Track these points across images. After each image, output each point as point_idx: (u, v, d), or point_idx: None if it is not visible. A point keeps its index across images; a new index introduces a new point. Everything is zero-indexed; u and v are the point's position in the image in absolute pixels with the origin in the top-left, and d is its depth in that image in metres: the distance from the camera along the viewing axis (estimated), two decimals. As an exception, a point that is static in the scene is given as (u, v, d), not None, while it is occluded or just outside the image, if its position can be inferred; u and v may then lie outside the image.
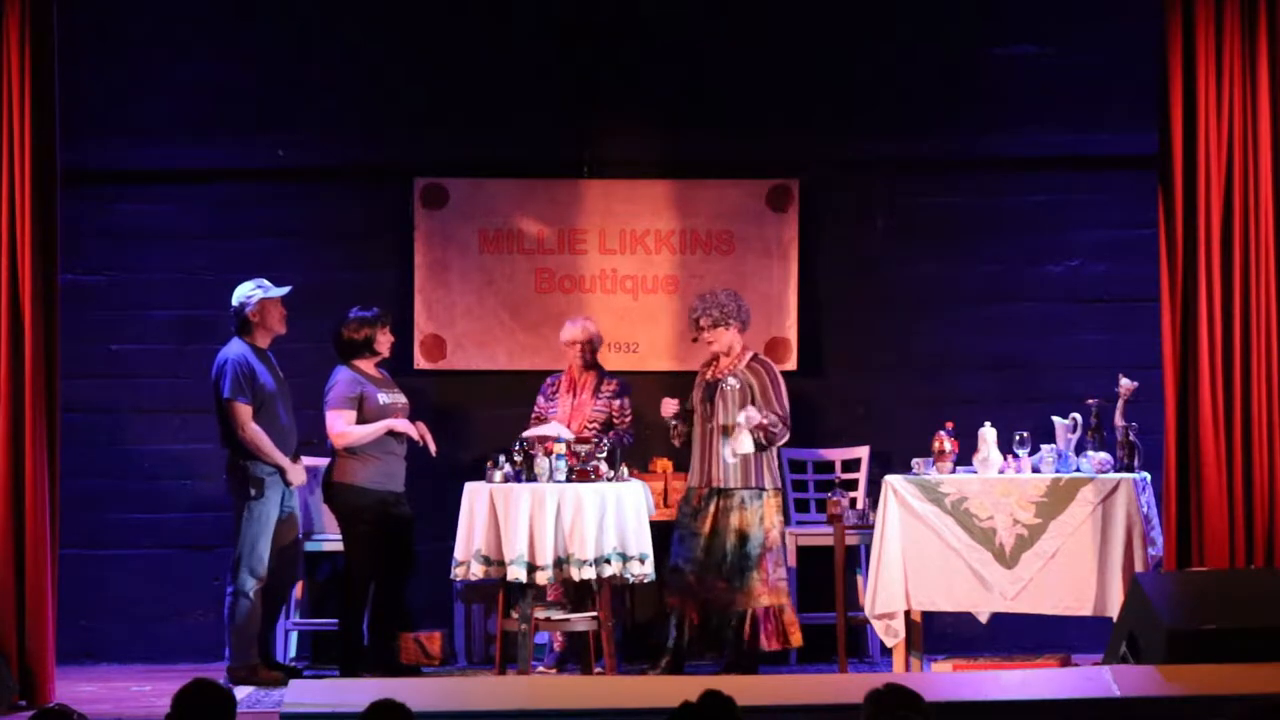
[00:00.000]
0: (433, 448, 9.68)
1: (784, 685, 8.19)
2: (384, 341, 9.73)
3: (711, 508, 9.52)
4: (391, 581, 9.66)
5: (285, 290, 9.65)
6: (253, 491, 9.45)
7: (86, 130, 10.05)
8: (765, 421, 9.46)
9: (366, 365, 9.71)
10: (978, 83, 10.50)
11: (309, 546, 10.17)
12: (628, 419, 9.84)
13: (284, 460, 9.51)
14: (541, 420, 9.79)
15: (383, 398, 9.65)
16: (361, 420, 9.58)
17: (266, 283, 9.64)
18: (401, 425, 9.60)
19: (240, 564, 9.47)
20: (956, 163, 10.56)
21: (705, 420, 9.60)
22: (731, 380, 9.57)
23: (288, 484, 9.57)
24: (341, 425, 9.57)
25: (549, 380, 9.99)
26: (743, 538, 9.50)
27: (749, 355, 9.66)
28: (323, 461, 9.89)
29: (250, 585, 9.46)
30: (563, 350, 9.98)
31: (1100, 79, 10.37)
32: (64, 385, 9.06)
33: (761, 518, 9.51)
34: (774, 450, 9.62)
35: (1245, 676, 7.44)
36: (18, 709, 8.58)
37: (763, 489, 9.52)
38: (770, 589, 9.48)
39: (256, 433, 9.45)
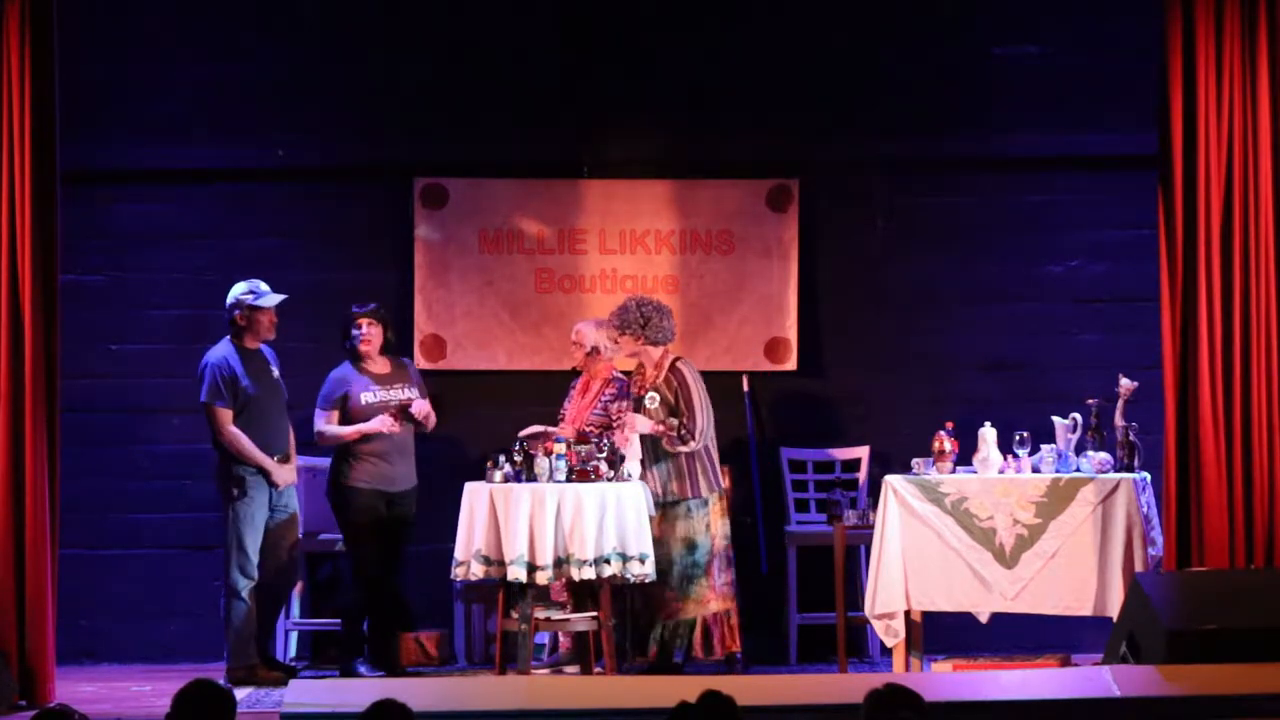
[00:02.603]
0: (417, 411, 9.66)
1: (784, 685, 8.19)
2: (365, 334, 9.70)
3: (657, 518, 9.52)
4: (382, 581, 9.67)
5: (276, 300, 9.63)
6: (235, 492, 9.48)
7: (86, 130, 10.05)
8: (660, 429, 9.49)
9: (369, 362, 9.74)
10: (978, 83, 10.50)
11: (310, 547, 10.18)
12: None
13: (266, 461, 9.51)
14: (563, 419, 9.83)
15: (369, 396, 9.66)
16: (345, 419, 9.63)
17: (261, 286, 9.63)
18: (370, 426, 9.58)
19: (230, 564, 9.49)
20: (956, 163, 10.56)
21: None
22: (652, 394, 9.57)
23: (273, 485, 9.56)
24: (318, 425, 9.67)
25: (574, 380, 10.00)
26: (690, 546, 9.51)
27: (668, 364, 9.63)
28: (319, 461, 9.92)
29: (242, 584, 9.47)
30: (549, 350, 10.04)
31: (1100, 79, 10.37)
32: (64, 385, 9.06)
33: (707, 525, 9.53)
34: (710, 456, 9.59)
35: (1245, 676, 7.44)
36: (18, 709, 8.58)
37: (703, 497, 9.53)
38: (719, 595, 9.53)
39: (235, 434, 9.48)
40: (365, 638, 9.68)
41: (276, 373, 9.71)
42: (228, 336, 9.63)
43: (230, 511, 9.51)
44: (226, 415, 9.49)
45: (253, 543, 9.48)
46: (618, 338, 9.63)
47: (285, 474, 9.60)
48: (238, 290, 9.61)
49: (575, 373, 9.98)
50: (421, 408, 9.66)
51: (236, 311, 9.60)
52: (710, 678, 8.90)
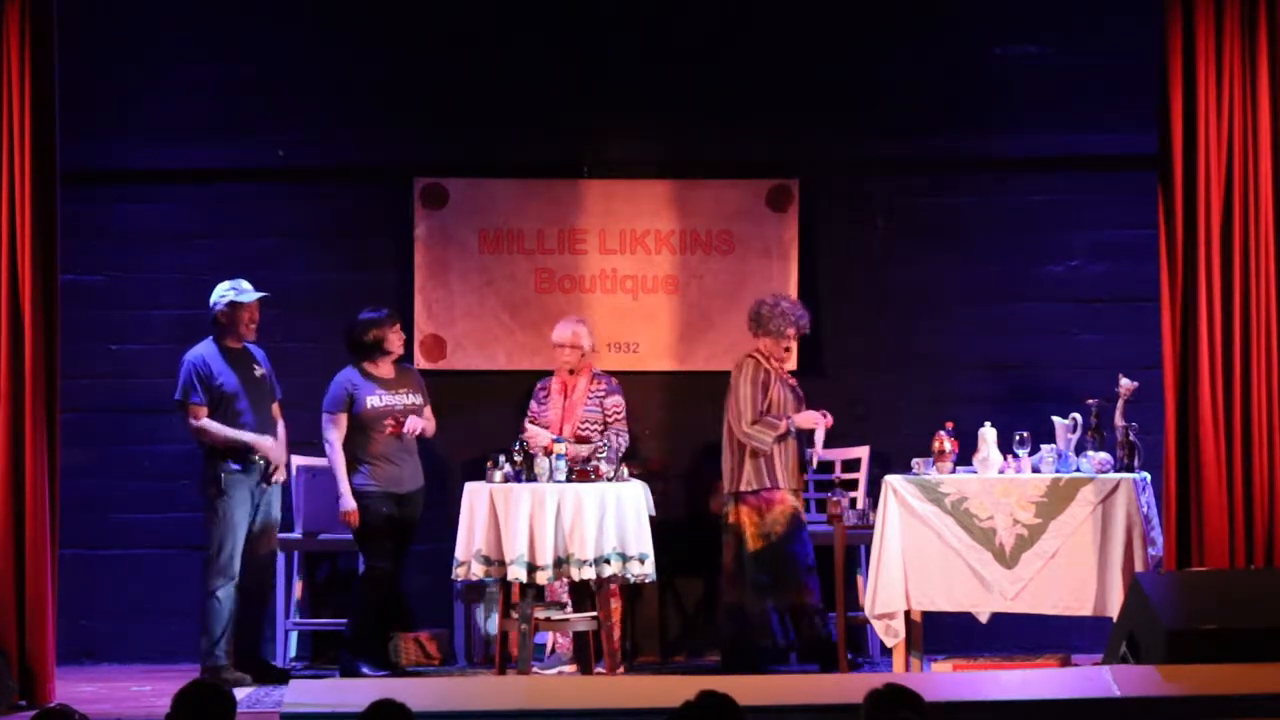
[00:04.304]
0: (409, 430, 9.68)
1: (784, 685, 8.18)
2: (395, 340, 9.77)
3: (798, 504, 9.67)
4: (382, 580, 9.67)
5: (257, 296, 9.62)
6: (213, 491, 9.49)
7: (86, 130, 10.04)
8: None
9: (376, 366, 9.75)
10: (978, 83, 10.49)
11: (310, 547, 10.19)
12: (621, 417, 9.82)
13: (249, 436, 9.51)
14: (536, 424, 9.80)
15: (374, 400, 9.68)
16: (354, 422, 9.65)
17: (244, 285, 9.63)
18: (345, 500, 9.61)
19: (210, 565, 9.49)
20: (956, 163, 10.56)
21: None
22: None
23: (266, 462, 9.52)
24: (327, 431, 9.69)
25: (540, 383, 9.97)
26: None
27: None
28: (320, 461, 9.92)
29: (219, 585, 9.46)
30: (551, 350, 9.94)
31: (1100, 79, 10.37)
32: (64, 385, 9.07)
33: None
34: None
35: (1245, 676, 7.44)
36: (18, 709, 8.58)
37: None
38: None
39: (206, 425, 9.47)
40: (372, 638, 9.68)
41: (261, 371, 9.69)
42: (210, 337, 9.65)
43: (211, 512, 9.50)
44: (198, 410, 9.49)
45: (233, 544, 9.47)
46: (796, 338, 9.74)
47: (269, 448, 9.55)
48: (220, 289, 9.63)
49: (546, 374, 9.97)
50: (414, 425, 9.65)
51: (218, 309, 9.61)
52: (711, 677, 8.91)
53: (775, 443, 9.57)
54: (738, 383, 9.63)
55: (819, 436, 9.62)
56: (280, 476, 9.69)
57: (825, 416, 9.64)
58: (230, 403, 9.53)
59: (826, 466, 10.37)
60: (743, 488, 9.57)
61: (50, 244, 8.88)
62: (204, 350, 9.59)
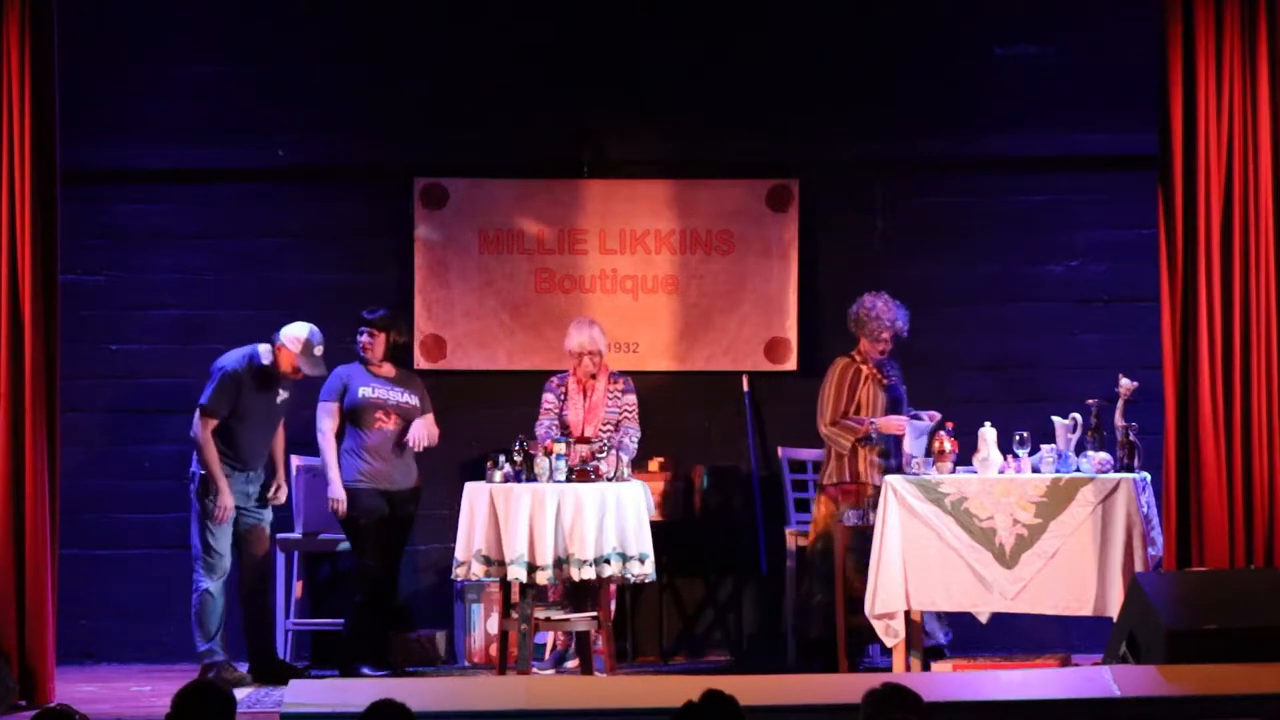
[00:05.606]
0: (412, 439, 9.66)
1: (784, 685, 8.18)
2: (368, 344, 9.73)
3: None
4: (383, 580, 9.67)
5: (316, 372, 9.56)
6: (211, 493, 9.46)
7: (86, 130, 10.05)
8: None
9: (378, 366, 9.75)
10: (978, 83, 10.50)
11: (310, 547, 10.19)
12: (634, 415, 9.81)
13: (220, 480, 9.43)
14: (556, 416, 9.74)
15: (366, 390, 9.68)
16: (346, 414, 9.68)
17: (319, 350, 9.53)
18: (334, 488, 9.62)
19: (200, 563, 9.48)
20: (956, 163, 10.56)
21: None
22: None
23: (214, 514, 9.46)
24: (320, 418, 9.69)
25: (555, 379, 9.89)
26: None
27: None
28: (319, 461, 9.91)
29: (211, 582, 9.45)
30: (566, 355, 9.86)
31: (1100, 79, 10.37)
32: (64, 385, 9.06)
33: None
34: None
35: (1245, 676, 7.44)
36: (18, 709, 8.58)
37: None
38: None
39: (207, 444, 9.42)
40: (368, 637, 9.68)
41: (284, 395, 9.65)
42: (256, 349, 9.57)
43: (201, 507, 9.48)
44: (209, 424, 9.45)
45: (222, 541, 9.47)
46: (892, 341, 9.70)
47: (227, 500, 9.49)
48: (298, 331, 9.51)
49: (546, 373, 9.95)
50: (416, 435, 9.63)
51: (283, 352, 9.52)
52: (711, 677, 8.90)
53: (856, 444, 9.57)
54: (824, 382, 9.67)
55: (917, 444, 9.38)
56: (281, 498, 9.68)
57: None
58: (243, 419, 9.50)
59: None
60: (825, 480, 9.64)
61: (50, 244, 8.88)
62: (241, 363, 9.51)
